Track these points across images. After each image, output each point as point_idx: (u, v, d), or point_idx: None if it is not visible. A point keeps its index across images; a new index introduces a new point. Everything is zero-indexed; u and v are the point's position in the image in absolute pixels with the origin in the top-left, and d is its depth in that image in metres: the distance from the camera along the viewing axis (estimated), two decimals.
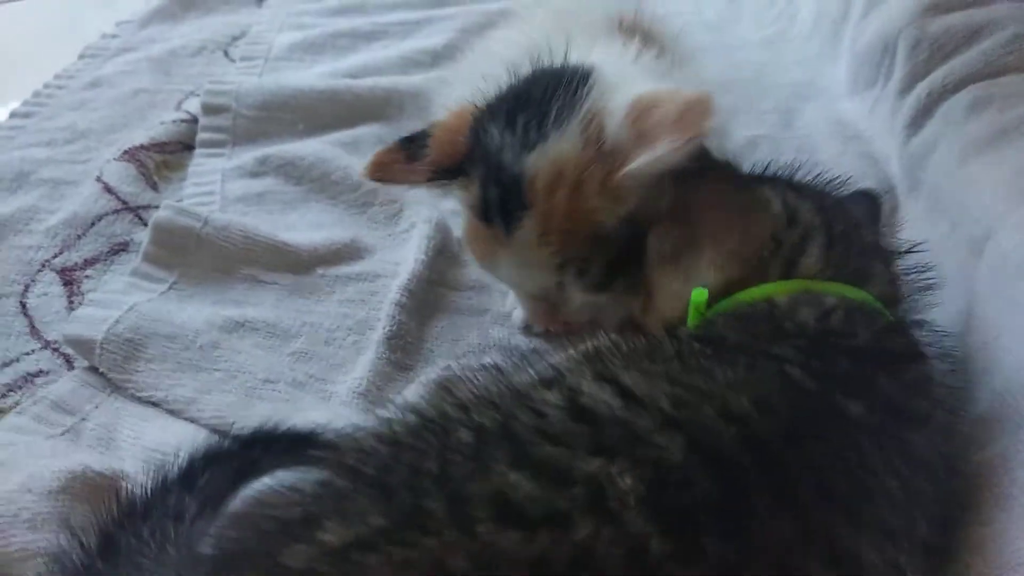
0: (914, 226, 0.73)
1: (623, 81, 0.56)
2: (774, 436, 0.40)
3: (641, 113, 0.52)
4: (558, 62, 0.59)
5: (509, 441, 0.39)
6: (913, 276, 0.56)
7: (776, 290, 0.51)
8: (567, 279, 0.56)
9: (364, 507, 0.37)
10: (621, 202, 0.54)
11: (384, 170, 0.59)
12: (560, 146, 0.53)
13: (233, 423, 0.58)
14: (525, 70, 0.59)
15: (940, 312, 0.65)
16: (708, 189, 0.54)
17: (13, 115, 0.98)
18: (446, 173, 0.57)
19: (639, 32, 0.66)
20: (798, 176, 0.58)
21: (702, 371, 0.44)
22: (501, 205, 0.54)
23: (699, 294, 0.51)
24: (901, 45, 0.83)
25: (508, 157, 0.54)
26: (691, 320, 0.52)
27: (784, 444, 0.40)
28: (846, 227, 0.55)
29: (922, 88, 0.79)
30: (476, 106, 0.58)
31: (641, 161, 0.50)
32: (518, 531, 0.35)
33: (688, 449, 0.38)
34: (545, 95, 0.55)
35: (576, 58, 0.60)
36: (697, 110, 0.50)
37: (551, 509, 0.36)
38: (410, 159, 0.58)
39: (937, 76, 0.78)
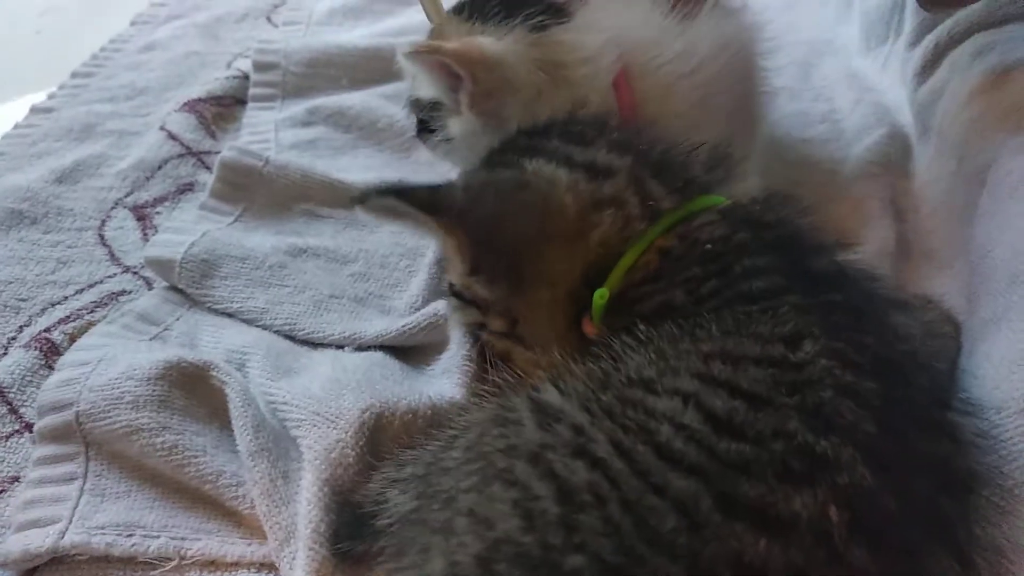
0: (926, 167, 0.79)
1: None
2: (876, 397, 0.39)
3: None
4: None
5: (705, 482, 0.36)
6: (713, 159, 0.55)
7: (651, 239, 0.49)
8: None
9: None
10: None
11: None
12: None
13: (303, 329, 0.65)
14: None
15: (952, 243, 0.70)
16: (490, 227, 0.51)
17: (74, 75, 1.05)
18: None
19: None
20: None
21: (756, 337, 0.41)
22: None
23: (601, 295, 0.49)
24: (909, 2, 0.89)
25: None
26: (598, 318, 0.50)
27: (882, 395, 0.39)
28: (650, 144, 0.53)
29: (930, 40, 0.84)
30: None
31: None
32: None
33: (865, 464, 0.36)
34: None
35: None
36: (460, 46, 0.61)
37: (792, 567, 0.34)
38: None
39: (943, 28, 0.83)
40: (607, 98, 0.63)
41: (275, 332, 0.65)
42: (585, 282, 0.50)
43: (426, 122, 0.67)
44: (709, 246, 0.47)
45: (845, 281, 0.46)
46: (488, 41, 0.62)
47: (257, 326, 0.66)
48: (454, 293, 0.56)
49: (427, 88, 0.63)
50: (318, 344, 0.65)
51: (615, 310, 0.49)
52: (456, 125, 0.64)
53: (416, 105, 0.67)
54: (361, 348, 0.63)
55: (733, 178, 0.53)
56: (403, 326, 0.63)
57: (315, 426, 0.52)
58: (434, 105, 0.64)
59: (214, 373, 0.58)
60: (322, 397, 0.54)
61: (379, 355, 0.62)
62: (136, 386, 0.57)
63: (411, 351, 0.64)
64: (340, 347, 0.64)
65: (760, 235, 0.47)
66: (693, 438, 0.37)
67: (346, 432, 0.51)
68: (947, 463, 0.40)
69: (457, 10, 0.67)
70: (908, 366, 0.42)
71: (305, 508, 0.48)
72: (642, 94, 0.64)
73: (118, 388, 0.57)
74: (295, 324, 0.65)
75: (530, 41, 0.62)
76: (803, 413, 0.37)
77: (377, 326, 0.64)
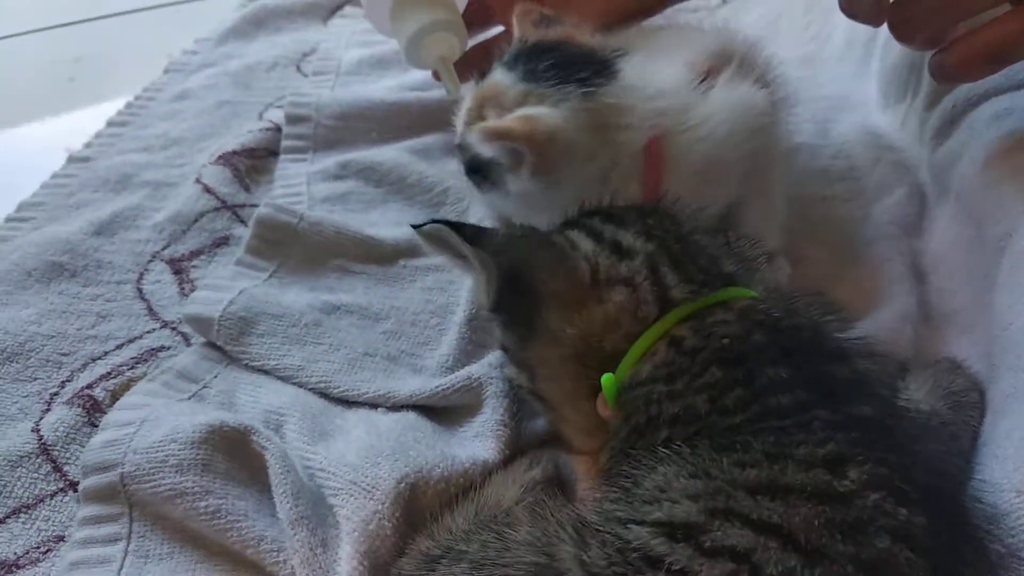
0: (945, 228, 0.80)
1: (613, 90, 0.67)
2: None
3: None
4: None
5: None
6: (747, 247, 0.57)
7: (665, 327, 0.50)
8: None
9: None
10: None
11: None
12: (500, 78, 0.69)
13: (338, 387, 0.67)
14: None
15: (972, 307, 0.71)
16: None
17: (110, 124, 1.08)
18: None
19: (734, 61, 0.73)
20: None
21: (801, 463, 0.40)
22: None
23: (607, 379, 0.50)
24: (927, 62, 0.91)
25: (500, 59, 0.71)
26: (612, 403, 0.51)
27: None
28: (679, 234, 0.55)
29: (947, 102, 0.86)
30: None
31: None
32: None
33: None
34: (553, 57, 0.68)
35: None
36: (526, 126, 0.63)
37: None
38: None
39: (961, 90, 0.84)
40: (636, 160, 0.66)
41: (310, 390, 0.67)
42: (596, 360, 0.52)
43: (480, 172, 0.69)
44: (726, 341, 0.47)
45: (869, 391, 0.46)
46: (548, 114, 0.64)
47: (293, 383, 0.68)
48: (502, 347, 0.61)
49: (486, 149, 0.64)
50: (352, 403, 0.66)
51: (630, 408, 0.49)
52: (514, 183, 0.66)
53: (472, 159, 0.68)
54: (394, 407, 0.65)
55: (761, 267, 0.55)
56: (436, 387, 0.65)
57: (352, 496, 0.54)
58: (492, 161, 0.66)
59: (254, 438, 0.60)
60: (358, 465, 0.56)
61: (412, 416, 0.63)
62: (180, 449, 0.58)
63: (443, 410, 0.66)
64: (374, 406, 0.66)
65: (777, 340, 0.48)
66: None
67: (383, 503, 0.53)
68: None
69: (508, 65, 0.69)
70: (943, 486, 0.43)
71: None
72: (668, 159, 0.67)
73: (162, 451, 0.59)
74: (330, 382, 0.67)
75: (585, 108, 0.65)
76: (861, 571, 0.36)
77: (411, 385, 0.66)
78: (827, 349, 0.48)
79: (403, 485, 0.54)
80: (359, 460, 0.56)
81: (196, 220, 0.88)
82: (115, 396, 0.68)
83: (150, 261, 0.84)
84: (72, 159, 1.00)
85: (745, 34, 0.82)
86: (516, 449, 0.61)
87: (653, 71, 0.71)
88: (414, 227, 0.59)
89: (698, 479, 0.41)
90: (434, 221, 0.57)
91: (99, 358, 0.73)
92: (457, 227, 0.57)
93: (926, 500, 0.40)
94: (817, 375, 0.46)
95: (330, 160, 0.95)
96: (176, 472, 0.57)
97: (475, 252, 0.56)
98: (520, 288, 0.54)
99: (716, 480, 0.40)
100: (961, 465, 0.53)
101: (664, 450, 0.44)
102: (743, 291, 0.52)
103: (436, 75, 0.81)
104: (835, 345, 0.49)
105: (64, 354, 0.73)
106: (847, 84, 1.07)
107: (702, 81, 0.70)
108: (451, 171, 0.93)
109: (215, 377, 0.69)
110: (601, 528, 0.42)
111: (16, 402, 0.69)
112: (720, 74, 0.72)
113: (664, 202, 0.60)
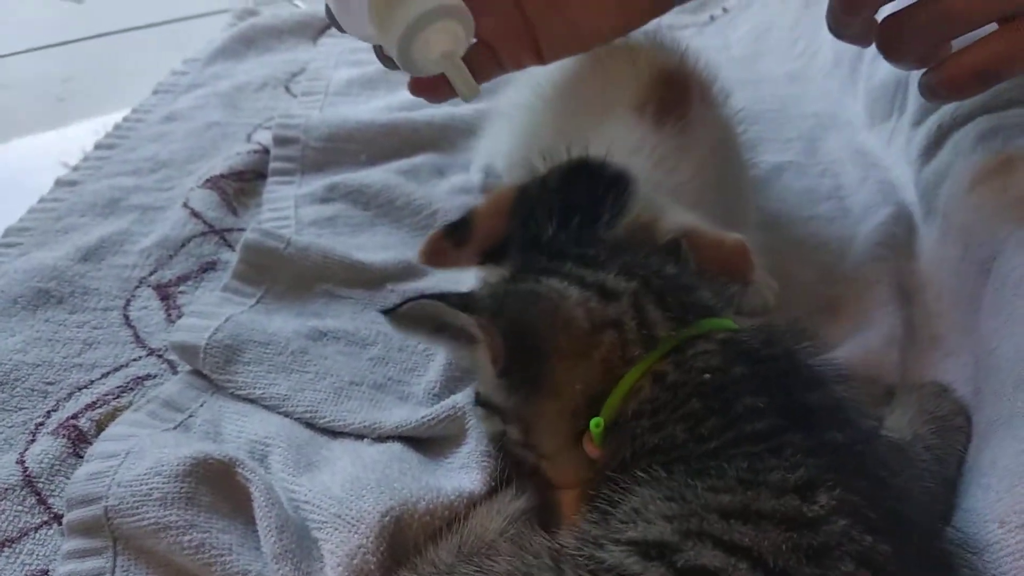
0: (931, 249, 0.81)
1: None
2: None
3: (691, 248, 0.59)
4: (593, 158, 0.63)
5: None
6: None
7: (648, 364, 0.50)
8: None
9: None
10: None
11: (437, 257, 0.67)
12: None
13: (324, 417, 0.66)
14: (556, 160, 0.64)
15: (958, 330, 0.71)
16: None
17: (98, 146, 1.08)
18: (492, 256, 0.64)
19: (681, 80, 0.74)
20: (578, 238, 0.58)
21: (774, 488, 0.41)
22: None
23: (596, 424, 0.50)
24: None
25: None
26: (599, 441, 0.51)
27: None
28: (658, 269, 0.55)
29: (933, 120, 0.86)
30: (513, 189, 0.65)
31: None
32: None
33: None
34: (591, 197, 0.61)
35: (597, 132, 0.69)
36: (739, 258, 0.58)
37: None
38: (457, 244, 0.66)
39: (947, 109, 0.85)
40: None
41: (296, 419, 0.67)
42: (587, 403, 0.51)
43: None
44: (708, 376, 0.47)
45: (843, 418, 0.47)
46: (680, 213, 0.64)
47: (279, 413, 0.67)
48: (481, 403, 0.59)
49: None
50: (338, 433, 0.66)
51: (616, 444, 0.50)
52: None
53: None
54: (380, 438, 0.65)
55: (737, 294, 0.55)
56: (422, 417, 0.64)
57: (337, 530, 0.54)
58: None
59: (239, 470, 0.59)
60: (343, 498, 0.55)
61: (398, 447, 0.63)
62: (164, 483, 0.58)
63: (429, 440, 0.65)
64: (359, 436, 0.65)
65: (757, 370, 0.48)
66: None
67: (367, 538, 0.52)
68: None
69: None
70: (911, 512, 0.43)
71: None
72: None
73: (146, 484, 0.58)
74: (316, 412, 0.67)
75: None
76: None
77: (396, 416, 0.66)
78: (803, 377, 0.49)
79: (388, 518, 0.54)
80: (344, 493, 0.56)
81: (183, 245, 0.88)
82: (100, 426, 0.68)
83: (137, 287, 0.83)
84: (60, 183, 1.00)
85: (683, 47, 0.81)
86: (501, 479, 0.61)
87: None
88: (384, 312, 0.57)
89: (673, 502, 0.42)
90: (408, 300, 0.56)
91: (85, 387, 0.72)
92: (441, 298, 0.55)
93: (895, 528, 0.41)
94: (792, 402, 0.46)
95: (318, 183, 0.95)
96: (160, 506, 0.57)
97: (474, 321, 0.54)
98: (524, 348, 0.53)
99: (691, 504, 0.41)
100: (940, 492, 0.53)
101: (641, 473, 0.45)
102: (721, 322, 0.52)
103: (417, 85, 0.67)
104: (811, 373, 0.49)
105: (50, 383, 0.73)
106: (835, 101, 1.07)
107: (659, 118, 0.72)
108: (439, 193, 0.93)
109: (201, 406, 0.69)
110: (576, 552, 0.42)
111: (1, 433, 0.68)
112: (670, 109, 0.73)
113: (633, 234, 0.59)
